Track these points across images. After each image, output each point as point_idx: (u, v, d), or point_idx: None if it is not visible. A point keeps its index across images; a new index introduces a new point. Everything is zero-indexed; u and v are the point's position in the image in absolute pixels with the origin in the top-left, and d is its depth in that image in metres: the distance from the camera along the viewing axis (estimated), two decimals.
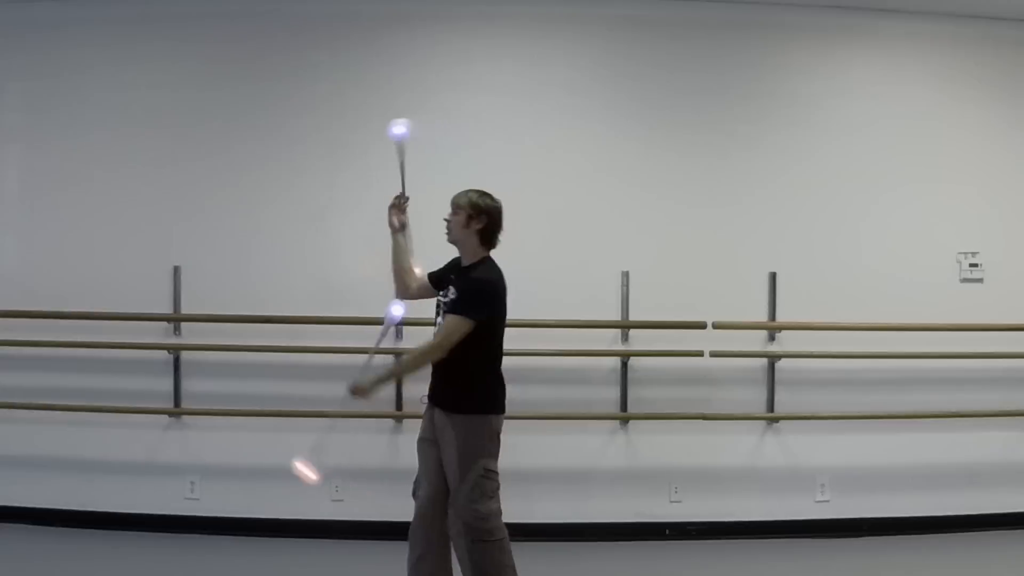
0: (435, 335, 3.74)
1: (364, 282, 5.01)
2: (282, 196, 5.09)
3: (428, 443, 3.87)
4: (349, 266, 5.04)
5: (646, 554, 4.99)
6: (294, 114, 5.10)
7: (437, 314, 3.83)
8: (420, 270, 3.97)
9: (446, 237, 3.85)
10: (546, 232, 5.05)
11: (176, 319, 5.03)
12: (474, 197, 3.76)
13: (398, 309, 3.86)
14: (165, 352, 5.01)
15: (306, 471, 3.85)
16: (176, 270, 5.05)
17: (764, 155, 5.28)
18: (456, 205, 3.79)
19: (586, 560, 4.87)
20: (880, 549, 5.08)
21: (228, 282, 5.03)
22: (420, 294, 3.96)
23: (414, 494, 3.93)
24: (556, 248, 5.10)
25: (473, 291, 3.68)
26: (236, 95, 5.11)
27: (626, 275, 5.15)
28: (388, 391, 5.03)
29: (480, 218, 3.74)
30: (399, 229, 3.94)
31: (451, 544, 3.82)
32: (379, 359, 3.88)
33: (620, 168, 5.20)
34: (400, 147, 3.88)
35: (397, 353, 4.64)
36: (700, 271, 5.17)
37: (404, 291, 3.95)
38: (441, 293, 3.83)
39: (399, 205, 3.95)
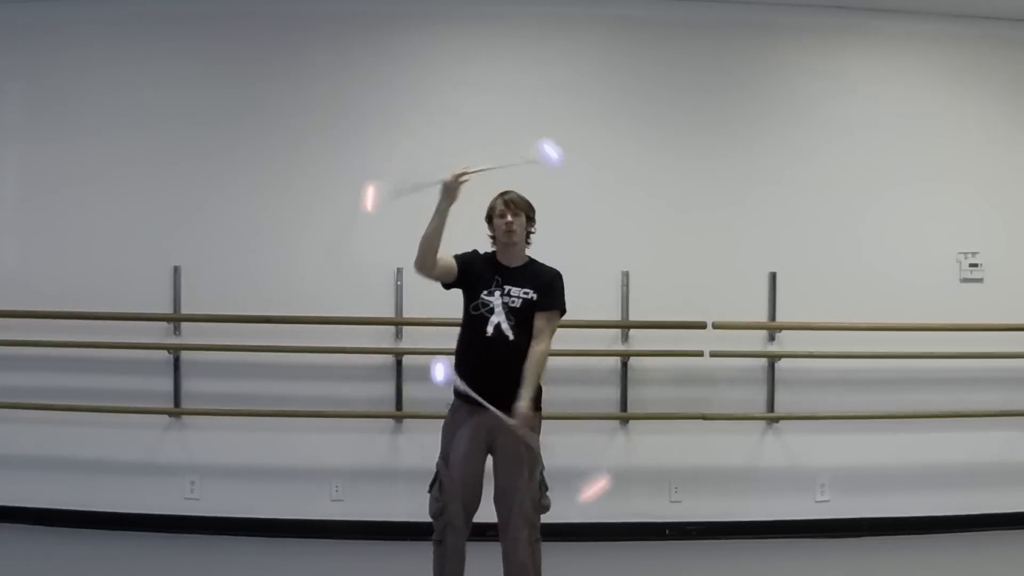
0: (536, 335, 3.67)
1: (364, 282, 5.04)
2: (282, 196, 5.09)
3: (478, 455, 3.72)
4: (349, 266, 5.05)
5: (646, 554, 4.99)
6: (294, 114, 5.10)
7: (477, 309, 3.71)
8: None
9: (507, 238, 3.75)
10: (546, 232, 5.02)
11: (176, 319, 5.03)
12: (527, 200, 3.81)
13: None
14: (165, 352, 5.01)
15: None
16: (176, 270, 5.05)
17: (764, 155, 5.28)
18: (517, 207, 3.76)
19: (586, 560, 4.87)
20: (880, 549, 5.08)
21: (228, 282, 5.03)
22: (438, 275, 3.72)
23: (438, 515, 3.73)
24: (556, 248, 5.05)
25: (560, 286, 3.80)
26: (236, 95, 5.11)
27: (626, 275, 5.15)
28: (388, 391, 5.06)
29: (533, 220, 3.83)
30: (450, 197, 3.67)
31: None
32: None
33: (620, 168, 5.21)
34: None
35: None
36: (700, 271, 5.17)
37: (424, 265, 3.66)
38: (488, 292, 3.71)
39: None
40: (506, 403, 3.57)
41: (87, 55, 5.09)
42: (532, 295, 3.73)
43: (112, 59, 5.09)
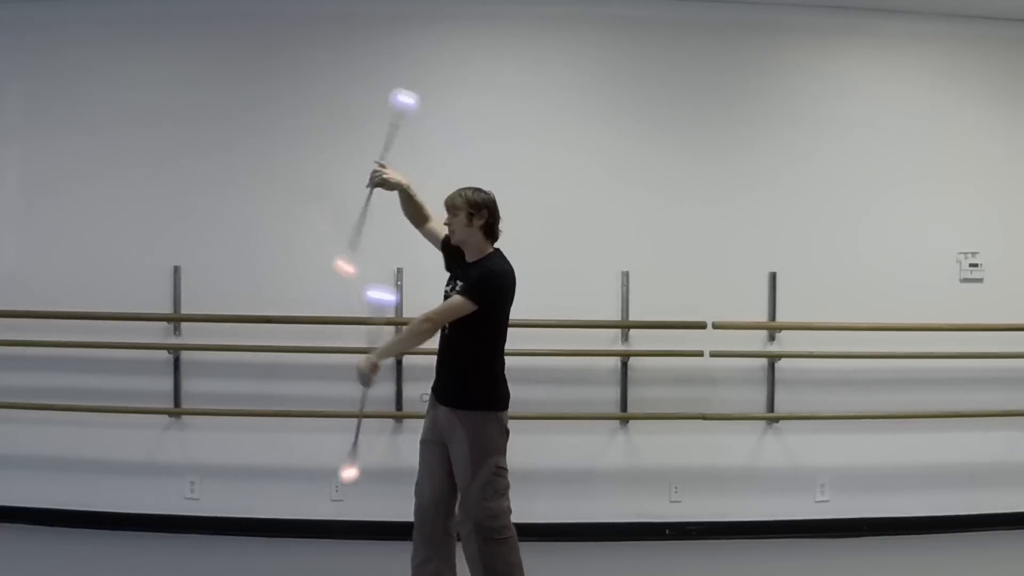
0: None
1: (364, 282, 5.03)
2: (282, 196, 5.09)
3: (432, 444, 3.82)
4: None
5: (646, 554, 4.99)
6: (294, 114, 5.10)
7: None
8: (435, 223, 3.97)
9: (452, 238, 3.86)
10: (546, 232, 5.05)
11: (176, 319, 5.03)
12: (469, 195, 3.76)
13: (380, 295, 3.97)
14: (165, 352, 5.01)
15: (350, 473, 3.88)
16: (176, 270, 5.05)
17: (764, 155, 5.28)
18: (453, 207, 3.78)
19: (586, 560, 4.87)
20: (880, 549, 5.08)
21: (228, 282, 5.03)
22: (425, 235, 4.02)
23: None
24: (556, 248, 5.09)
25: (481, 276, 3.68)
26: (236, 95, 5.11)
27: (626, 275, 5.15)
28: (388, 391, 5.06)
29: (481, 213, 3.75)
30: (391, 189, 3.92)
31: (453, 545, 3.80)
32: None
33: (620, 168, 5.21)
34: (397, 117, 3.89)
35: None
36: (700, 271, 5.18)
37: (434, 240, 3.98)
38: (448, 287, 3.83)
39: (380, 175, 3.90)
40: (444, 398, 3.79)
41: (87, 55, 5.09)
42: (461, 283, 3.73)
43: (112, 59, 5.09)
